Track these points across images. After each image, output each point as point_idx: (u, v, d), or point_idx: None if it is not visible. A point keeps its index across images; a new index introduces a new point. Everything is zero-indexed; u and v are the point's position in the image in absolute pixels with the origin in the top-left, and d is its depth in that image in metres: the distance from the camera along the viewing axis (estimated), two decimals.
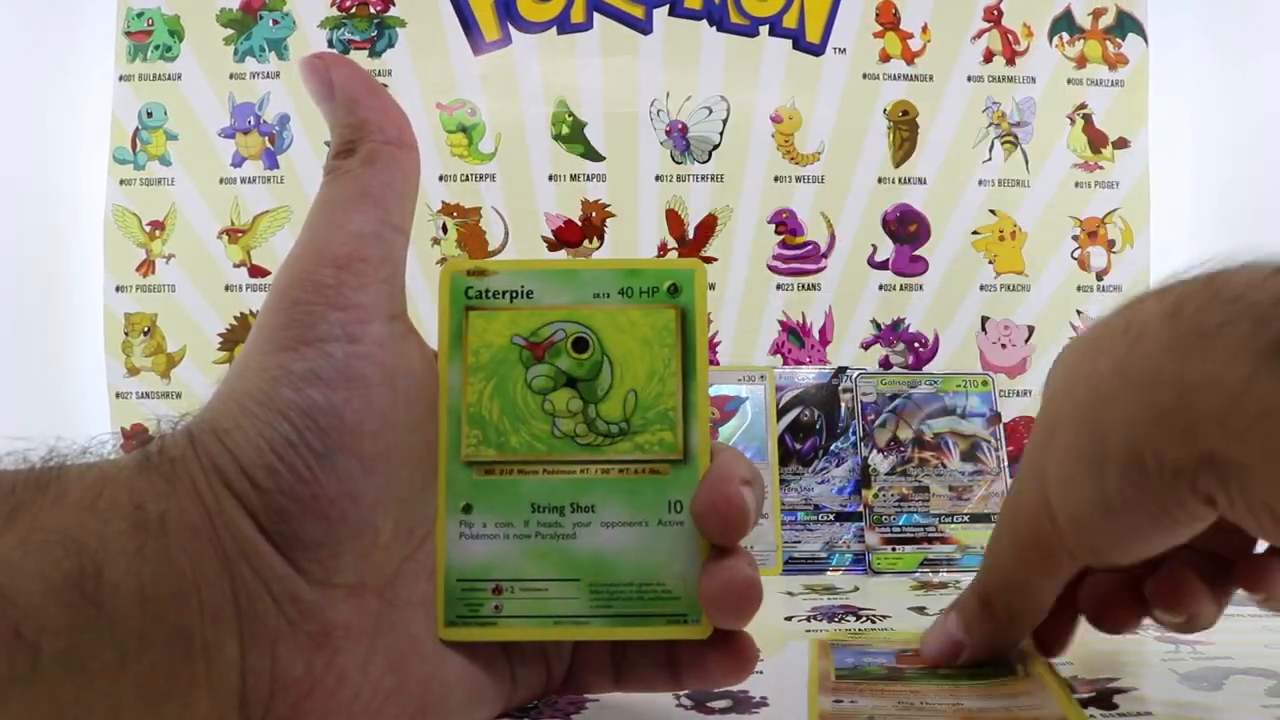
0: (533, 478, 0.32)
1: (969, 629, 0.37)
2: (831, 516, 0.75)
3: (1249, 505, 0.28)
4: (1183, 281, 0.30)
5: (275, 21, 0.87)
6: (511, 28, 0.87)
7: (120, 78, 0.86)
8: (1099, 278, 0.97)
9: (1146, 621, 0.37)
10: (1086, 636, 0.39)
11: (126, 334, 0.85)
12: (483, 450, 0.32)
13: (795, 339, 0.86)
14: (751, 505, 0.30)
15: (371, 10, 0.87)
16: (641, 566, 0.31)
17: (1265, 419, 0.26)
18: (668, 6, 0.89)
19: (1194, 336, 0.28)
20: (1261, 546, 0.34)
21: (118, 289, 0.85)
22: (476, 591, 0.31)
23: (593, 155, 0.88)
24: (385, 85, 0.35)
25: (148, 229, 0.86)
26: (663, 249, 0.90)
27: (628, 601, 0.31)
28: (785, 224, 0.93)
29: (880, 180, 0.94)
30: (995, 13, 0.92)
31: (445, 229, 0.86)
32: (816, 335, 0.86)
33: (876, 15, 0.91)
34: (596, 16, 0.88)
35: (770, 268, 0.93)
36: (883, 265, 0.92)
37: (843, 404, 0.78)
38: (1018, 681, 0.38)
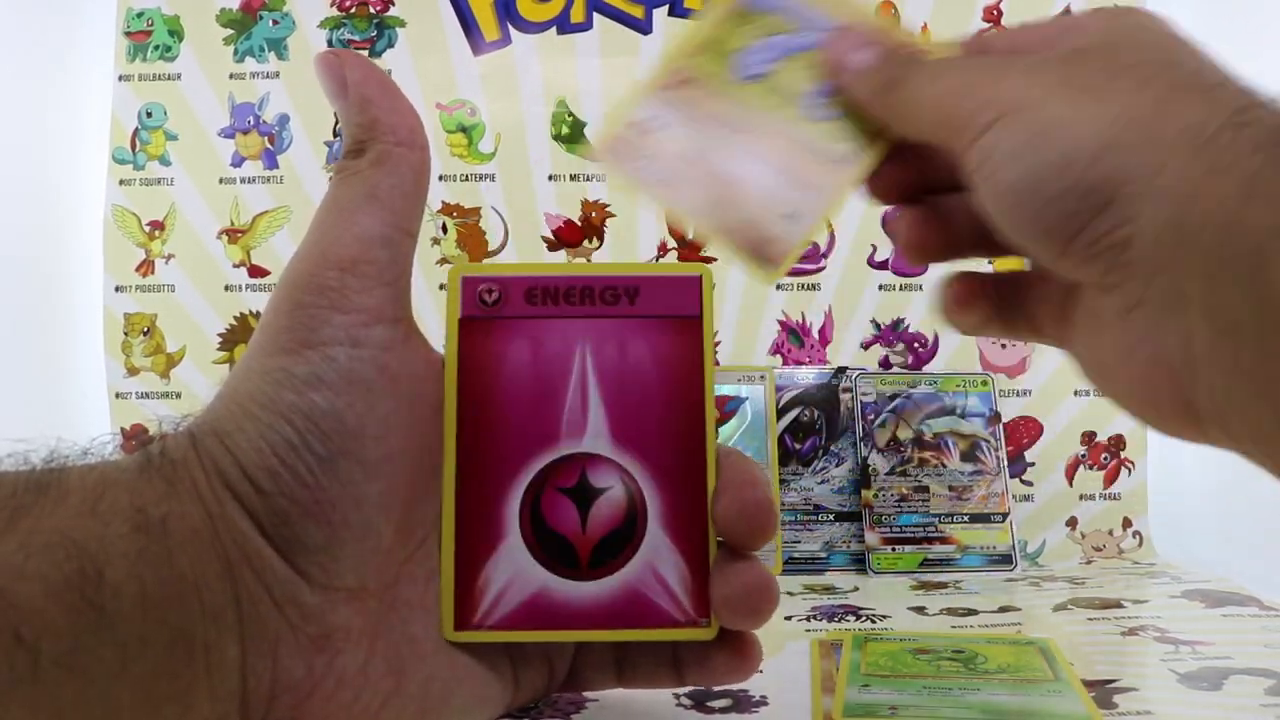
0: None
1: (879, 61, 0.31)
2: (831, 516, 0.75)
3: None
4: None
5: (275, 22, 0.87)
6: (511, 28, 0.87)
7: (120, 78, 0.86)
8: None
9: (1145, 623, 0.37)
10: (1086, 635, 0.39)
11: (126, 334, 0.85)
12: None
13: (795, 339, 0.86)
14: (776, 508, 0.31)
15: (371, 10, 0.87)
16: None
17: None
18: (668, 6, 0.89)
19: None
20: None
21: (117, 289, 0.85)
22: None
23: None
24: None
25: (147, 229, 0.86)
26: (663, 249, 0.90)
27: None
28: None
29: None
30: (995, 13, 0.92)
31: (445, 229, 0.86)
32: (816, 335, 0.86)
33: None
34: (596, 17, 0.88)
35: None
36: (882, 265, 0.92)
37: (843, 404, 0.78)
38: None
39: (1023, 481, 0.82)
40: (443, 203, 0.87)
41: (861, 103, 0.31)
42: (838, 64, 0.32)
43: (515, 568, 0.31)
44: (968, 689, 0.37)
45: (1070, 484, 0.82)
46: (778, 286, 0.90)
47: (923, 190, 0.32)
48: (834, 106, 0.32)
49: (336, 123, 0.86)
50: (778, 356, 0.86)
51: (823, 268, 0.88)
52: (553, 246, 0.87)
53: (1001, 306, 0.32)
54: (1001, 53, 0.29)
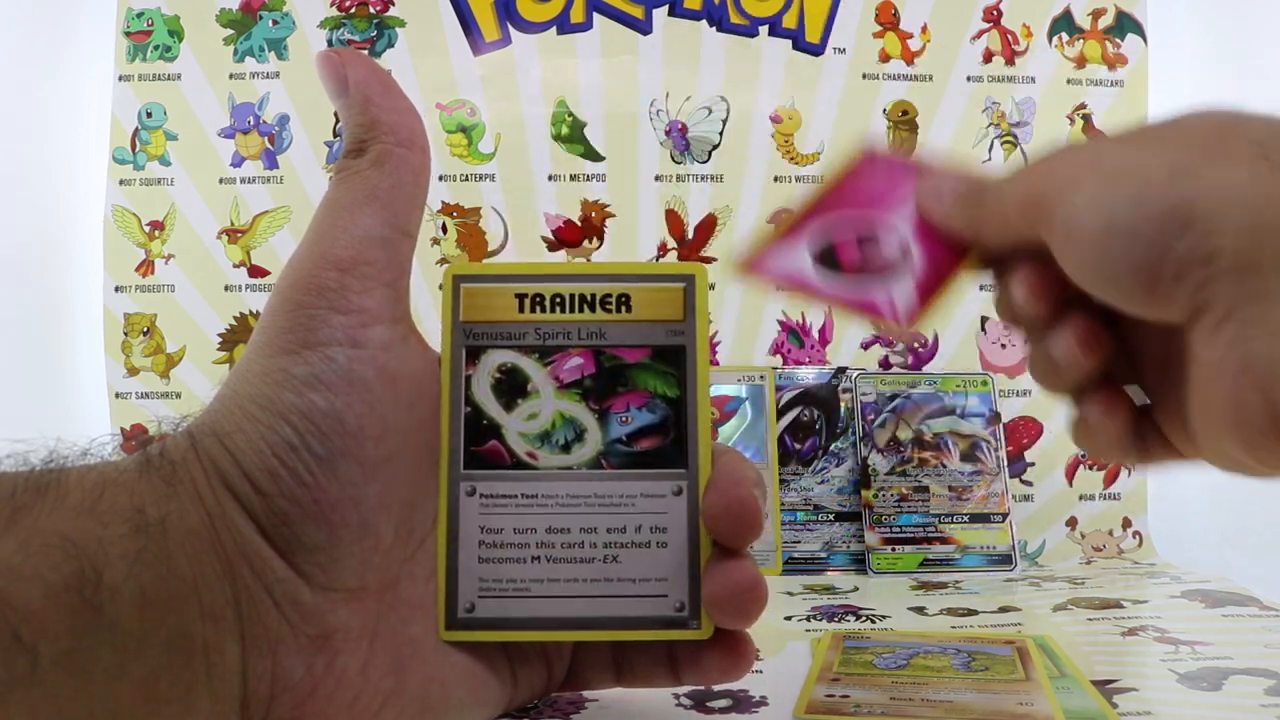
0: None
1: (955, 195, 0.33)
2: (831, 516, 0.75)
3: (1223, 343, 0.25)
4: None
5: (275, 22, 0.87)
6: (511, 28, 0.87)
7: (120, 78, 0.86)
8: None
9: (1145, 623, 0.37)
10: (1086, 635, 0.39)
11: (126, 334, 0.85)
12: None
13: (795, 339, 0.86)
14: (763, 507, 0.31)
15: (371, 10, 0.87)
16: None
17: None
18: (667, 6, 0.89)
19: None
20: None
21: (117, 289, 0.85)
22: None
23: (592, 155, 0.88)
24: None
25: (147, 229, 0.86)
26: (662, 249, 0.90)
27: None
28: None
29: None
30: (995, 13, 0.92)
31: (445, 229, 0.86)
32: (816, 335, 0.86)
33: (876, 15, 0.91)
34: (596, 16, 0.88)
35: None
36: None
37: (842, 404, 0.78)
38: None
39: (1023, 481, 0.82)
40: (443, 203, 0.87)
41: (954, 223, 0.32)
42: (931, 200, 0.33)
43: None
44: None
45: (1070, 484, 0.82)
46: (777, 286, 0.90)
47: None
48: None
49: (337, 122, 0.86)
50: (778, 356, 0.86)
51: None
52: (553, 246, 0.87)
53: (1137, 433, 0.31)
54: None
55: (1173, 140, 0.26)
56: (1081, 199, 0.27)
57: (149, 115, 0.87)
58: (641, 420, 0.32)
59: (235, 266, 0.86)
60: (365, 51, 0.87)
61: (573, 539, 0.32)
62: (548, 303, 0.33)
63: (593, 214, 0.88)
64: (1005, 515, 0.73)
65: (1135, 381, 0.31)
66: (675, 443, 0.32)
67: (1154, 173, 0.25)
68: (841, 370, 0.80)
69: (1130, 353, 0.30)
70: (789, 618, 0.55)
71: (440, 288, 0.33)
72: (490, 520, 0.32)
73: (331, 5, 0.88)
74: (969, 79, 0.93)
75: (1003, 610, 0.56)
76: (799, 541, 0.74)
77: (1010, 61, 0.93)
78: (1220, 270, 0.24)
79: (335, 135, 0.86)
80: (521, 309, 0.33)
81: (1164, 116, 0.29)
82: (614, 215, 0.88)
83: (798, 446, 0.77)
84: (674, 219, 0.91)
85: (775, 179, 0.93)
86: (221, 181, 0.87)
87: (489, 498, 0.32)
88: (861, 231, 0.33)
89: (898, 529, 0.73)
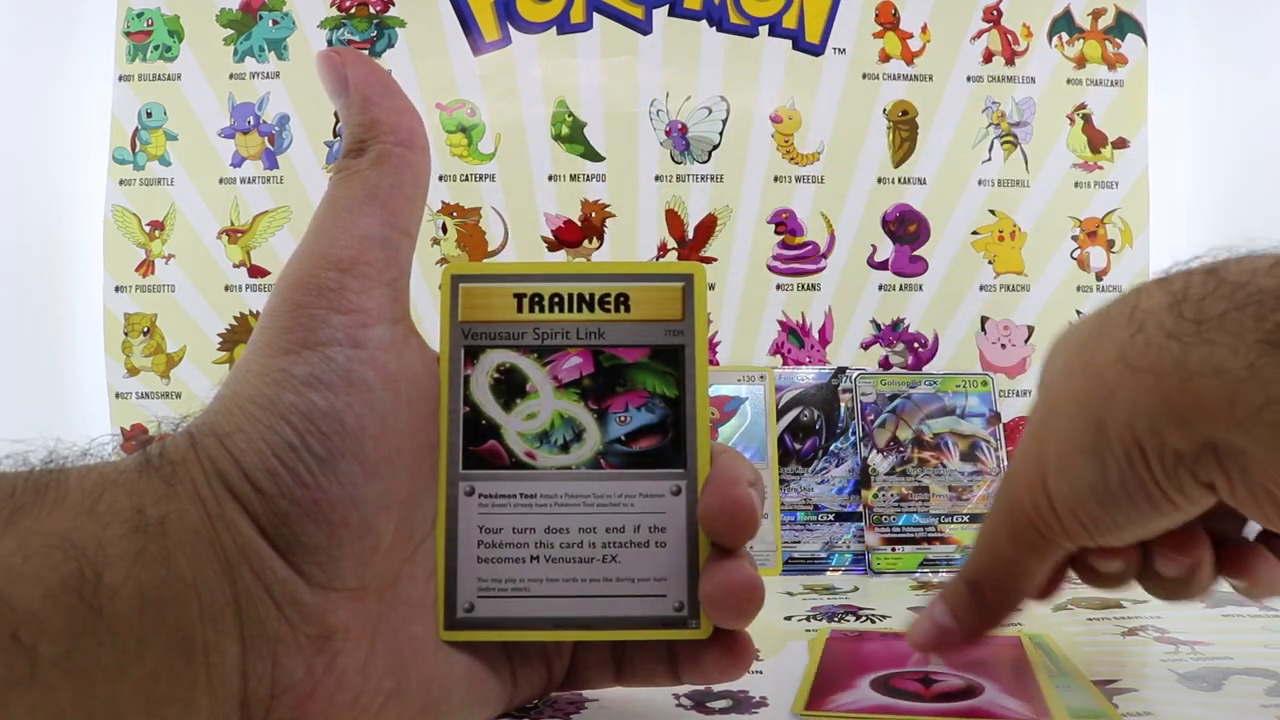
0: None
1: (957, 614, 0.36)
2: (831, 516, 0.75)
3: (1250, 491, 0.28)
4: (1186, 271, 0.30)
5: (275, 22, 0.87)
6: (511, 28, 0.87)
7: (120, 78, 0.86)
8: (1099, 278, 0.97)
9: (1145, 623, 0.37)
10: (1086, 635, 0.39)
11: (126, 334, 0.85)
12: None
13: (795, 339, 0.86)
14: (759, 507, 0.31)
15: (371, 10, 0.87)
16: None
17: (1268, 407, 0.26)
18: (667, 6, 0.89)
19: (1197, 325, 0.28)
20: (1251, 532, 0.34)
21: (117, 289, 0.85)
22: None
23: (592, 155, 0.88)
24: None
25: (147, 229, 0.86)
26: (663, 249, 0.90)
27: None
28: (785, 224, 0.93)
29: (880, 180, 0.94)
30: (995, 13, 0.92)
31: (445, 229, 0.86)
32: (816, 335, 0.86)
33: (876, 15, 0.91)
34: (596, 17, 0.88)
35: (770, 268, 0.93)
36: (882, 265, 0.92)
37: (842, 404, 0.78)
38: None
39: None
40: (443, 203, 0.87)
41: (975, 626, 0.36)
42: (936, 644, 0.37)
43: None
44: None
45: None
46: (777, 287, 0.90)
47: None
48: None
49: (337, 122, 0.86)
50: (778, 356, 0.86)
51: (823, 268, 0.88)
52: (553, 246, 0.87)
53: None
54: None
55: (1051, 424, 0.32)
56: (1055, 485, 0.32)
57: (149, 115, 0.87)
58: (640, 420, 0.32)
59: (235, 266, 0.87)
60: (365, 51, 0.86)
61: (572, 539, 0.32)
62: (546, 303, 0.33)
63: (593, 214, 0.88)
64: None
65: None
66: (674, 443, 0.32)
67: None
68: (841, 370, 0.80)
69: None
70: (789, 618, 0.55)
71: (440, 288, 0.33)
72: (489, 520, 0.32)
73: (331, 5, 0.88)
74: (969, 79, 0.93)
75: None
76: (799, 541, 0.74)
77: (1010, 61, 0.93)
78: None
79: (335, 135, 0.86)
80: (520, 309, 0.33)
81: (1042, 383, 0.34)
82: (614, 215, 0.88)
83: (798, 446, 0.77)
84: (674, 219, 0.91)
85: (775, 179, 0.93)
86: (221, 181, 0.87)
87: (488, 497, 0.32)
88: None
89: (898, 529, 0.73)
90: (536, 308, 0.33)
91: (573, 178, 0.88)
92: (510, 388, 0.32)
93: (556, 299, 0.33)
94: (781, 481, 0.75)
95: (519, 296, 0.33)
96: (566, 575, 0.31)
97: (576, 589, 0.31)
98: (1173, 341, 0.28)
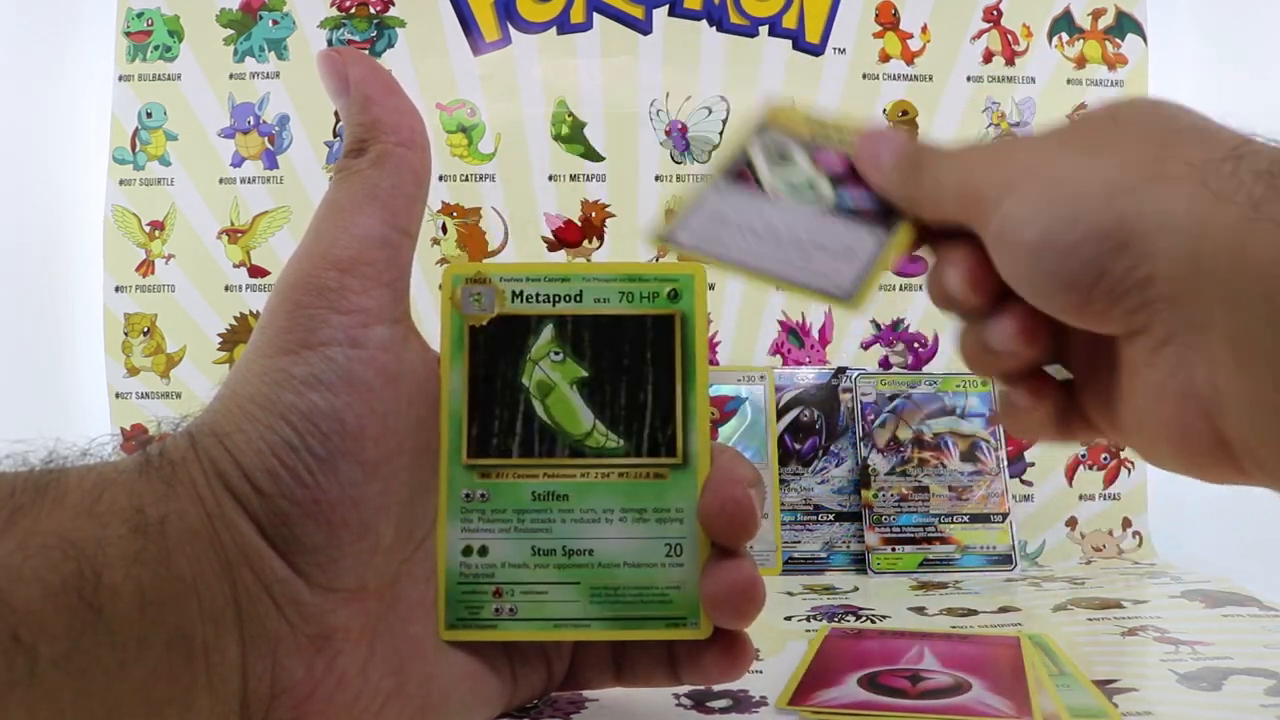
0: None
1: (895, 161, 0.32)
2: (831, 516, 0.75)
3: (1180, 355, 0.24)
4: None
5: (275, 22, 0.87)
6: (511, 28, 0.87)
7: (120, 78, 0.86)
8: None
9: (1145, 623, 0.37)
10: (1086, 635, 0.39)
11: (126, 334, 0.85)
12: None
13: (795, 339, 0.86)
14: (758, 506, 0.31)
15: (371, 10, 0.87)
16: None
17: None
18: (667, 6, 0.89)
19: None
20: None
21: (117, 289, 0.85)
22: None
23: (593, 155, 0.88)
24: None
25: (147, 229, 0.86)
26: (662, 249, 0.90)
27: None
28: None
29: None
30: (995, 13, 0.92)
31: (445, 229, 0.86)
32: (816, 335, 0.86)
33: (876, 15, 0.91)
34: (596, 17, 0.88)
35: None
36: None
37: (842, 404, 0.78)
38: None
39: (1022, 481, 0.82)
40: (443, 203, 0.87)
41: (891, 193, 0.31)
42: (872, 163, 0.32)
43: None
44: None
45: (1070, 484, 0.82)
46: (777, 287, 0.90)
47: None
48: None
49: (337, 122, 0.86)
50: (778, 356, 0.86)
51: None
52: (553, 246, 0.87)
53: (1059, 414, 0.31)
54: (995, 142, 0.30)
55: (1111, 149, 0.26)
56: (1017, 207, 0.26)
57: (149, 115, 0.87)
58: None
59: (235, 266, 0.86)
60: (365, 51, 0.86)
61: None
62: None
63: (593, 214, 0.88)
64: (1005, 515, 0.73)
65: (1059, 361, 0.31)
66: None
67: (1091, 187, 0.25)
68: (841, 370, 0.80)
69: (1057, 335, 0.29)
70: (789, 618, 0.55)
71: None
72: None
73: (331, 5, 0.88)
74: (969, 79, 0.93)
75: (1003, 610, 0.56)
76: (799, 541, 0.74)
77: (1010, 61, 0.93)
78: (1157, 295, 0.24)
79: (335, 135, 0.86)
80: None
81: (1102, 107, 0.28)
82: (614, 215, 0.88)
83: (798, 446, 0.77)
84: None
85: None
86: (221, 181, 0.87)
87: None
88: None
89: (898, 529, 0.73)
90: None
91: (573, 178, 0.88)
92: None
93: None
94: (781, 481, 0.75)
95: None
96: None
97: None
98: (1260, 185, 0.23)
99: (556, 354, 0.32)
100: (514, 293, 0.33)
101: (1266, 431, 0.23)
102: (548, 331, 0.32)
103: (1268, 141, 0.24)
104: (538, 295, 0.33)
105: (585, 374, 0.32)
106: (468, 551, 0.31)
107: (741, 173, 0.33)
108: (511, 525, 0.32)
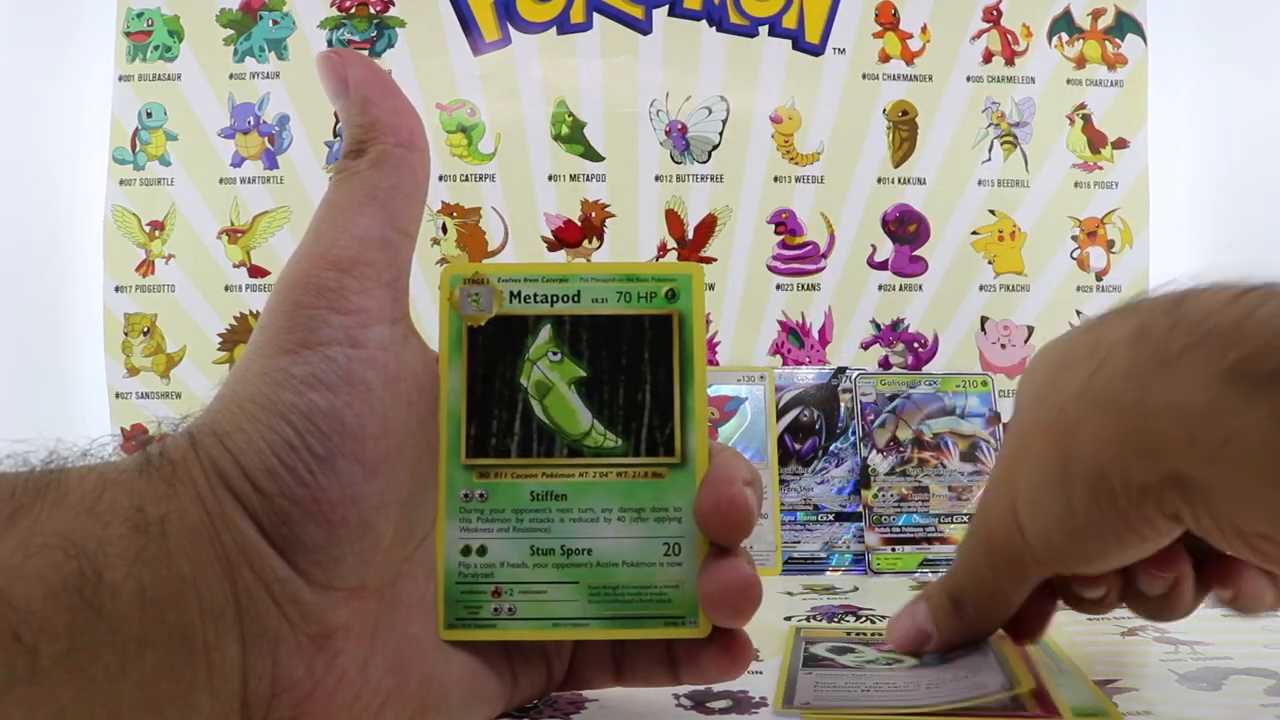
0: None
1: (938, 623, 0.38)
2: (831, 516, 0.75)
3: (1215, 521, 0.29)
4: (1149, 301, 0.31)
5: (275, 22, 0.87)
6: (511, 28, 0.87)
7: (120, 78, 0.86)
8: (1098, 278, 0.97)
9: (1144, 624, 0.37)
10: (1086, 635, 0.39)
11: (126, 334, 0.85)
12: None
13: (795, 339, 0.86)
14: (754, 505, 0.31)
15: (371, 10, 0.87)
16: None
17: (1228, 443, 0.27)
18: (667, 7, 0.89)
19: (1157, 362, 0.29)
20: None
21: (117, 289, 0.85)
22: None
23: (592, 155, 0.88)
24: None
25: (147, 229, 0.86)
26: (662, 249, 0.90)
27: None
28: (785, 224, 0.93)
29: (880, 180, 0.94)
30: (994, 13, 0.92)
31: (445, 229, 0.86)
32: (816, 335, 0.86)
33: (876, 15, 0.91)
34: (596, 17, 0.88)
35: (770, 268, 0.93)
36: (882, 265, 0.92)
37: (842, 404, 0.78)
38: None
39: None
40: (443, 203, 0.87)
41: (956, 641, 0.38)
42: (915, 644, 0.38)
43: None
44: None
45: None
46: (777, 287, 0.90)
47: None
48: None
49: (337, 122, 0.86)
50: (778, 356, 0.86)
51: (823, 268, 0.88)
52: (553, 246, 0.87)
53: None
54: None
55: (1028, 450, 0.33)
56: (1027, 513, 0.32)
57: (149, 115, 0.87)
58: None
59: (235, 266, 0.87)
60: (365, 51, 0.87)
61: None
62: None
63: (593, 214, 0.88)
64: None
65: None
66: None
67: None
68: (841, 370, 0.80)
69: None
70: (789, 618, 0.55)
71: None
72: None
73: (331, 5, 0.88)
74: (969, 79, 0.93)
75: None
76: (799, 541, 0.74)
77: (1010, 61, 0.93)
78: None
79: (335, 135, 0.86)
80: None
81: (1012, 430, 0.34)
82: (614, 215, 0.88)
83: (798, 446, 0.77)
84: (674, 219, 0.91)
85: (775, 179, 0.93)
86: (221, 181, 0.87)
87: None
88: None
89: (898, 529, 0.73)
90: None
91: (573, 178, 0.88)
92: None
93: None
94: (781, 481, 0.75)
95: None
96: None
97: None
98: (1132, 379, 0.29)
99: (554, 354, 0.32)
100: (512, 293, 0.33)
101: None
102: (546, 332, 0.32)
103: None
104: (535, 295, 0.33)
105: (583, 374, 0.32)
106: (466, 551, 0.31)
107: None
108: (510, 525, 0.32)
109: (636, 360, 0.32)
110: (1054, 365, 0.33)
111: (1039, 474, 0.32)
